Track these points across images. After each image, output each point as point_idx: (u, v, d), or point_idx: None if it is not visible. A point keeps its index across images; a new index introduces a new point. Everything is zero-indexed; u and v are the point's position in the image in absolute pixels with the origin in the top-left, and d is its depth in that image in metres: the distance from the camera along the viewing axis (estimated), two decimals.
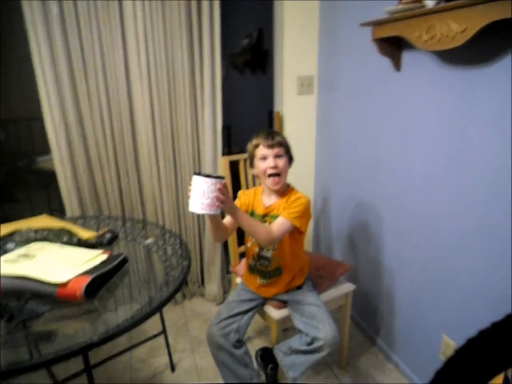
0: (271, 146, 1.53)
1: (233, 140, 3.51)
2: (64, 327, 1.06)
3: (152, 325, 2.15)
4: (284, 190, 1.63)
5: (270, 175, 1.55)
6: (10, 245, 1.38)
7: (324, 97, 2.35)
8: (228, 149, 3.29)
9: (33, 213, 1.81)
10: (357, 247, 2.19)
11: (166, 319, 2.08)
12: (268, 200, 1.65)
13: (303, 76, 2.36)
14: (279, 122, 2.44)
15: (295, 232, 1.57)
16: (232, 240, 2.04)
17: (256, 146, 1.57)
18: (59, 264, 1.24)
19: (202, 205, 1.19)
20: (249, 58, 3.53)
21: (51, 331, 1.04)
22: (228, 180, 2.01)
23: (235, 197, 1.99)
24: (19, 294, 1.12)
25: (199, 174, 1.20)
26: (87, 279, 1.12)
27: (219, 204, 1.21)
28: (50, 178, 2.97)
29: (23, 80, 2.67)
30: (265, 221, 1.63)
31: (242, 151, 2.21)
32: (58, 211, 2.77)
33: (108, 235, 1.53)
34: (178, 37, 2.11)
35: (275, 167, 1.54)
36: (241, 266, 1.97)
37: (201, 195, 1.18)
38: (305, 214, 1.56)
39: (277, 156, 1.54)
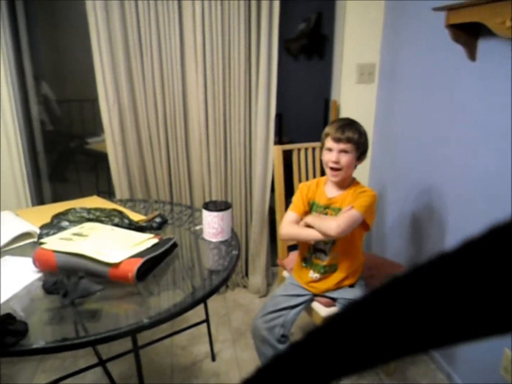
0: (338, 140, 1.53)
1: (284, 129, 3.48)
2: (109, 308, 1.10)
3: (193, 313, 2.19)
4: (349, 184, 1.64)
5: (331, 168, 1.58)
6: (64, 223, 1.44)
7: (386, 87, 2.30)
8: (278, 138, 3.28)
9: (82, 194, 1.87)
10: (413, 248, 2.14)
11: (208, 308, 2.11)
12: (331, 191, 1.66)
13: (364, 64, 2.30)
14: (335, 112, 2.40)
15: (360, 227, 1.57)
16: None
17: (326, 135, 1.59)
18: (111, 245, 1.28)
19: (209, 234, 1.43)
20: (306, 43, 3.48)
21: (97, 310, 1.08)
22: (280, 172, 2.03)
23: (291, 190, 1.97)
24: (73, 271, 1.17)
25: (207, 204, 1.46)
26: (139, 261, 1.15)
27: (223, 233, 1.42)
28: (99, 159, 3.08)
29: (76, 62, 2.76)
30: (326, 213, 1.65)
31: (292, 141, 2.20)
32: (106, 193, 2.87)
33: (158, 219, 1.57)
34: (236, 19, 2.11)
35: (337, 162, 1.55)
36: (290, 260, 1.97)
37: (207, 225, 1.42)
38: (372, 208, 1.57)
39: (342, 151, 1.54)
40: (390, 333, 0.19)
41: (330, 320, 0.22)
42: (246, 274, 2.63)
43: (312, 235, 1.57)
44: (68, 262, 1.19)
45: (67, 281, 1.11)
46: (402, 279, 0.19)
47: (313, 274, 1.70)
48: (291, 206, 1.72)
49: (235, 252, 1.37)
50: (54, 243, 1.26)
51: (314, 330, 0.22)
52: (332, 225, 1.48)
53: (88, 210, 1.53)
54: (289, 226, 1.63)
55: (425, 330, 0.18)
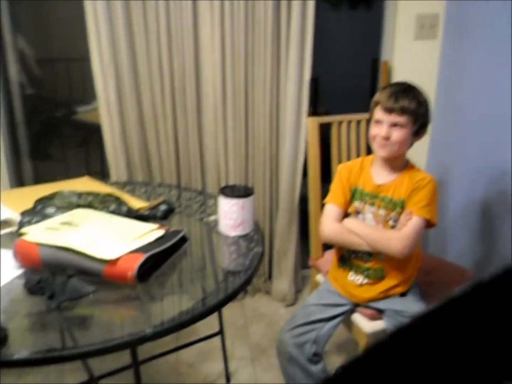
0: (389, 111, 1.52)
1: (321, 98, 3.46)
2: (104, 314, 1.12)
3: (204, 323, 2.21)
4: (403, 166, 1.64)
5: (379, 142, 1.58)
6: (50, 209, 1.47)
7: (452, 43, 2.25)
8: (313, 108, 3.26)
9: (69, 174, 1.90)
10: (481, 248, 2.13)
11: (222, 317, 2.14)
12: (380, 175, 1.66)
13: (425, 14, 2.27)
14: (386, 76, 2.38)
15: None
16: (315, 225, 2.04)
17: (375, 104, 1.58)
18: (107, 237, 1.30)
19: (226, 226, 1.45)
20: None
21: (89, 316, 1.10)
22: (315, 150, 2.02)
23: (328, 174, 1.97)
24: (61, 268, 1.20)
25: (224, 189, 1.47)
26: (141, 257, 1.17)
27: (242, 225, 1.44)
28: (90, 133, 3.11)
29: (63, 11, 2.76)
30: (372, 203, 1.65)
31: (330, 112, 2.17)
32: (99, 174, 2.91)
33: (162, 207, 1.58)
34: None
35: (387, 138, 1.54)
36: (325, 261, 1.98)
37: (224, 215, 1.44)
38: (434, 202, 1.57)
39: (394, 125, 1.53)
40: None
41: (378, 348, 0.23)
42: (270, 277, 2.64)
43: (364, 246, 1.61)
44: (55, 257, 1.22)
45: (54, 280, 1.14)
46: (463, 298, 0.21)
47: (354, 277, 1.71)
48: (329, 196, 1.72)
49: (258, 249, 1.38)
50: (37, 233, 1.28)
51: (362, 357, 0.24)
52: (395, 246, 1.53)
53: (79, 194, 1.55)
54: (334, 225, 1.64)
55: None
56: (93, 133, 2.80)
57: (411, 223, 1.54)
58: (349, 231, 1.62)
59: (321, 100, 3.49)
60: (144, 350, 2.06)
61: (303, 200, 2.33)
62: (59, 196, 1.54)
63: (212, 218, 1.60)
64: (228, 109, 2.28)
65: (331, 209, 1.67)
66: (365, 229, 1.61)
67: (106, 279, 1.17)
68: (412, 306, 1.63)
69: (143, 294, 1.18)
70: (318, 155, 2.03)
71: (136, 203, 1.61)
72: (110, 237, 1.29)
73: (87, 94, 2.68)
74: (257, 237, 1.45)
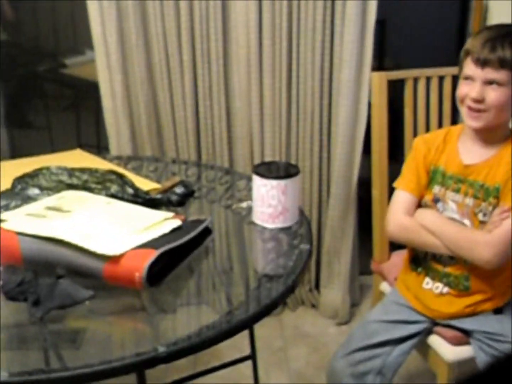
0: (483, 63, 1.48)
1: (389, 46, 3.41)
2: (102, 327, 1.14)
3: (231, 344, 2.22)
4: (503, 139, 1.61)
5: (468, 107, 1.54)
6: (33, 190, 1.48)
7: None
8: (379, 61, 3.21)
9: (54, 146, 1.91)
10: None
11: (255, 337, 2.14)
12: (470, 152, 1.63)
13: None
14: (479, 17, 2.35)
15: None
16: (380, 218, 2.04)
17: (466, 54, 1.55)
18: (108, 227, 1.28)
19: (262, 215, 1.47)
20: None
21: (83, 329, 1.12)
22: (382, 117, 2.01)
23: (399, 150, 1.97)
24: (47, 266, 1.21)
25: (260, 167, 1.49)
26: (151, 255, 1.17)
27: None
28: (83, 93, 3.14)
29: None
30: (458, 190, 1.63)
31: (400, 66, 2.14)
32: (94, 147, 2.93)
33: (179, 190, 1.59)
34: None
35: (479, 100, 1.50)
36: (392, 265, 1.98)
37: (260, 201, 1.46)
38: None
39: (490, 82, 1.50)
40: None
41: None
42: (317, 286, 2.65)
43: (441, 248, 1.60)
44: (40, 251, 1.23)
45: (39, 281, 1.15)
46: None
47: (431, 284, 1.71)
48: (400, 179, 1.71)
49: (304, 247, 1.36)
50: (17, 221, 1.29)
51: None
52: (482, 253, 1.53)
53: (70, 172, 1.56)
54: (404, 219, 1.64)
55: None
56: (86, 92, 2.82)
57: (507, 224, 1.52)
58: (422, 227, 1.61)
59: (389, 49, 3.43)
60: (153, 376, 2.08)
61: (364, 184, 2.32)
62: (45, 173, 1.55)
63: (243, 205, 1.60)
64: (264, 61, 2.27)
65: (402, 197, 1.67)
66: (444, 226, 1.60)
67: (107, 282, 1.18)
68: (510, 326, 1.60)
69: (153, 303, 1.19)
70: (386, 124, 2.00)
71: (145, 184, 1.62)
72: (112, 227, 1.29)
73: (79, 41, 2.70)
74: (304, 231, 1.45)
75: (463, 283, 1.65)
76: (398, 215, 1.65)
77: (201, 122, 2.38)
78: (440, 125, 2.06)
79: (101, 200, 1.45)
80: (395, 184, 1.71)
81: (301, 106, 2.37)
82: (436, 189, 1.66)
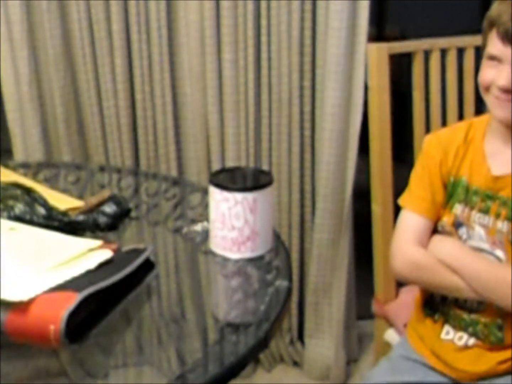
0: None
1: (391, 11, 3.43)
2: None
3: None
4: None
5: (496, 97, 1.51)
6: None
7: None
8: (377, 28, 3.23)
9: None
10: None
11: None
12: (500, 157, 1.60)
13: None
14: None
15: None
16: (382, 243, 2.04)
17: (491, 24, 1.51)
18: (11, 262, 1.26)
19: (224, 241, 1.45)
20: None
21: None
22: (383, 105, 2.02)
23: (404, 145, 1.98)
24: None
25: (219, 175, 1.53)
26: (72, 300, 1.14)
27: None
28: None
29: None
30: (486, 210, 1.61)
31: (404, 35, 2.16)
32: None
33: (109, 208, 1.58)
34: None
35: (507, 90, 1.50)
36: (401, 305, 1.99)
37: (219, 222, 1.45)
38: None
39: None
40: None
41: None
42: (300, 337, 2.68)
43: (465, 290, 1.59)
44: None
45: None
46: None
47: (451, 335, 1.71)
48: (408, 195, 1.71)
49: (282, 284, 1.36)
50: None
51: None
52: None
53: None
54: (414, 251, 1.64)
55: None
56: None
57: None
58: (439, 262, 1.61)
59: (392, 13, 3.47)
60: None
61: (361, 197, 2.34)
62: None
63: (197, 227, 1.59)
64: (223, 30, 2.30)
65: (411, 220, 1.67)
66: (469, 261, 1.60)
67: (10, 337, 1.16)
68: None
69: (76, 365, 1.18)
70: (389, 113, 2.02)
71: (62, 202, 1.60)
72: (16, 263, 1.27)
73: None
74: (280, 262, 1.45)
75: (495, 334, 1.65)
76: (406, 246, 1.65)
77: (138, 115, 2.37)
78: (460, 115, 2.08)
79: (1, 225, 1.43)
80: (401, 202, 1.69)
81: (274, 91, 2.38)
82: (458, 209, 1.63)
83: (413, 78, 2.05)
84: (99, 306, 1.24)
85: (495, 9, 1.53)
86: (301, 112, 2.40)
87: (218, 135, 2.37)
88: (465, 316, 1.68)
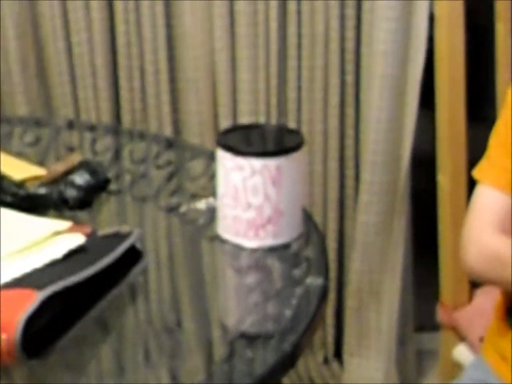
0: None
1: None
2: None
3: None
4: None
5: None
6: None
7: None
8: None
9: None
10: None
11: None
12: None
13: None
14: None
15: None
16: (452, 227, 2.05)
17: None
18: None
19: (237, 223, 1.47)
20: None
21: None
22: (457, 38, 1.98)
23: (487, 97, 1.98)
24: None
25: (227, 134, 1.53)
26: (30, 300, 1.15)
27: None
28: None
29: None
30: None
31: None
32: None
33: (80, 178, 1.59)
34: None
35: None
36: (476, 313, 1.99)
37: (230, 199, 1.46)
38: None
39: None
40: None
41: None
42: (338, 354, 2.72)
43: None
44: None
45: None
46: None
47: None
48: (487, 165, 1.71)
49: (315, 281, 1.36)
50: None
51: None
52: None
53: None
54: (495, 240, 1.63)
55: None
56: None
57: None
58: None
59: None
60: None
61: (422, 167, 2.37)
62: None
63: (200, 205, 1.61)
64: None
65: (489, 198, 1.66)
66: None
67: None
68: None
69: None
70: (462, 54, 2.02)
71: (17, 169, 1.62)
72: None
73: None
74: (313, 253, 1.46)
75: None
76: (483, 233, 1.64)
77: (119, 53, 2.39)
78: None
79: None
80: (477, 174, 1.69)
81: (304, 22, 2.38)
82: None
83: (496, 6, 2.03)
84: (66, 310, 1.24)
85: None
86: (341, 50, 2.39)
87: (228, 81, 2.37)
88: None
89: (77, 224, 1.40)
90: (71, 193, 1.56)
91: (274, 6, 2.34)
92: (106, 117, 2.38)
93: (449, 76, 2.01)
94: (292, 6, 2.37)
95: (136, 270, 1.39)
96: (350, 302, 2.58)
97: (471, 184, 1.77)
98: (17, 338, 1.13)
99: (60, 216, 1.46)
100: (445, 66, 2.01)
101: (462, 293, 2.06)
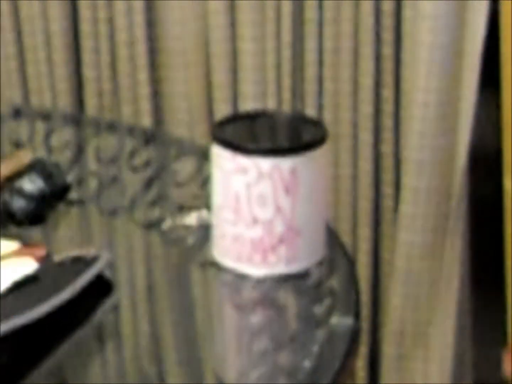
0: None
1: None
2: None
3: None
4: None
5: None
6: None
7: None
8: None
9: None
10: None
11: None
12: None
13: None
14: None
15: None
16: None
17: None
18: None
19: (238, 244, 1.47)
20: None
21: None
22: None
23: None
24: None
25: (225, 126, 1.54)
26: None
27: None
28: None
29: None
30: None
31: None
32: None
33: (30, 184, 1.59)
34: None
35: None
36: None
37: (230, 211, 1.47)
38: None
39: None
40: None
41: None
42: None
43: None
44: None
45: None
46: None
47: None
48: None
49: (343, 323, 1.36)
50: None
51: None
52: None
53: None
54: None
55: None
56: None
57: None
58: None
59: None
60: None
61: (484, 167, 2.36)
62: None
63: (190, 219, 1.62)
64: None
65: None
66: None
67: None
68: None
69: None
70: None
71: None
72: None
73: None
74: (339, 283, 1.48)
75: None
76: None
77: (81, 15, 2.39)
78: None
79: None
80: None
81: None
82: None
83: None
84: (13, 358, 1.25)
85: None
86: (376, 11, 2.40)
87: (226, 53, 2.38)
88: None
89: (27, 245, 1.40)
90: (18, 203, 1.56)
91: None
92: (64, 102, 2.39)
93: None
94: None
95: (105, 307, 1.39)
96: (388, 349, 2.59)
97: None
98: None
99: (5, 234, 1.46)
100: None
101: None
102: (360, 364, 2.64)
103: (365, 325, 2.59)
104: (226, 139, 1.44)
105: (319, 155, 1.45)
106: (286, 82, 2.42)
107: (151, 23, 2.42)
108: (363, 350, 2.63)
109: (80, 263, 1.36)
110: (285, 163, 1.41)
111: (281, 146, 1.44)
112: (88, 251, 1.40)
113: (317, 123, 1.52)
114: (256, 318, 1.44)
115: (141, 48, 2.40)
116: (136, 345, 1.42)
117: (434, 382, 2.56)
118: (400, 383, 2.63)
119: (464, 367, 2.67)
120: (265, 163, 1.41)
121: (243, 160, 1.41)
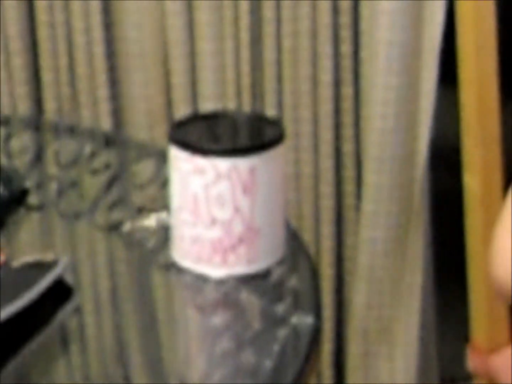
0: None
1: None
2: None
3: None
4: None
5: None
6: None
7: None
8: None
9: None
10: None
11: None
12: None
13: None
14: None
15: None
16: (483, 241, 2.04)
17: None
18: None
19: (198, 245, 1.48)
20: None
21: None
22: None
23: None
24: None
25: (183, 127, 1.56)
26: None
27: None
28: None
29: None
30: None
31: None
32: None
33: None
34: None
35: None
36: None
37: (188, 213, 1.48)
38: None
39: None
40: None
41: None
42: None
43: None
44: None
45: None
46: None
47: None
48: None
49: (305, 322, 1.37)
50: None
51: None
52: None
53: None
54: None
55: None
56: None
57: None
58: None
59: None
60: None
61: (444, 163, 2.39)
62: None
63: (148, 222, 1.62)
64: None
65: None
66: None
67: None
68: None
69: None
70: (492, 14, 2.03)
71: None
72: None
73: None
74: (300, 282, 1.48)
75: None
76: None
77: (38, 18, 2.39)
78: None
79: None
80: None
81: None
82: None
83: None
84: None
85: None
86: (334, 9, 2.41)
87: (185, 54, 2.39)
88: None
89: None
90: None
91: None
92: (23, 106, 2.39)
93: (475, 45, 2.04)
94: None
95: (65, 311, 1.39)
96: (353, 347, 2.60)
97: (508, 185, 1.79)
98: None
99: None
100: (470, 30, 2.03)
101: (499, 331, 2.08)
102: (325, 363, 2.65)
103: (329, 323, 2.59)
104: (183, 140, 1.44)
105: (277, 154, 1.46)
106: (246, 81, 2.42)
107: (109, 26, 2.42)
108: (328, 348, 2.63)
109: (39, 268, 1.36)
110: (243, 163, 1.41)
111: (238, 146, 1.44)
112: (47, 256, 1.41)
113: (275, 123, 1.52)
114: (218, 318, 1.44)
115: (99, 51, 2.40)
116: (100, 348, 1.42)
117: (399, 378, 2.58)
118: (366, 381, 2.63)
119: (429, 363, 2.68)
120: (223, 164, 1.41)
121: (200, 161, 1.42)
